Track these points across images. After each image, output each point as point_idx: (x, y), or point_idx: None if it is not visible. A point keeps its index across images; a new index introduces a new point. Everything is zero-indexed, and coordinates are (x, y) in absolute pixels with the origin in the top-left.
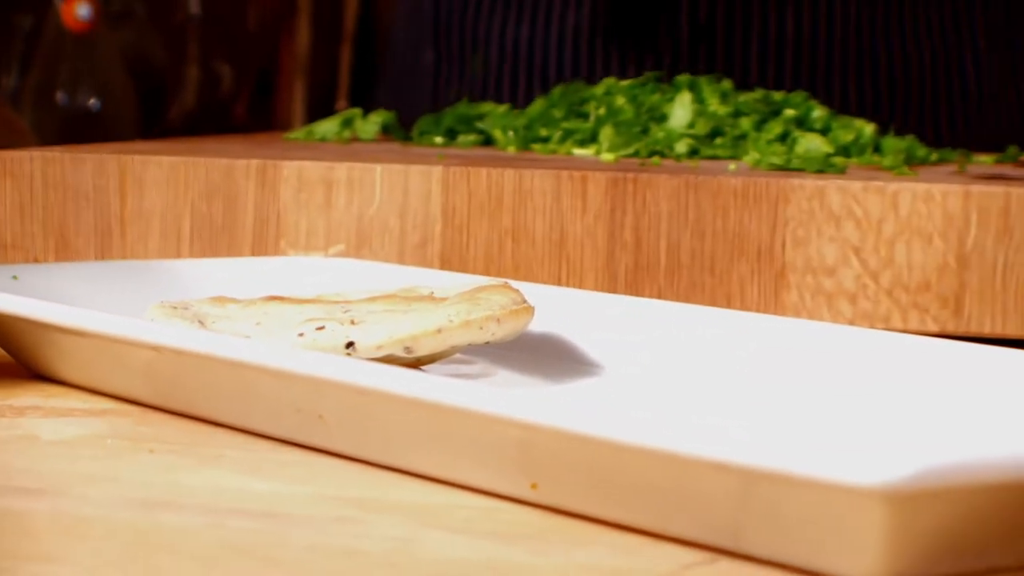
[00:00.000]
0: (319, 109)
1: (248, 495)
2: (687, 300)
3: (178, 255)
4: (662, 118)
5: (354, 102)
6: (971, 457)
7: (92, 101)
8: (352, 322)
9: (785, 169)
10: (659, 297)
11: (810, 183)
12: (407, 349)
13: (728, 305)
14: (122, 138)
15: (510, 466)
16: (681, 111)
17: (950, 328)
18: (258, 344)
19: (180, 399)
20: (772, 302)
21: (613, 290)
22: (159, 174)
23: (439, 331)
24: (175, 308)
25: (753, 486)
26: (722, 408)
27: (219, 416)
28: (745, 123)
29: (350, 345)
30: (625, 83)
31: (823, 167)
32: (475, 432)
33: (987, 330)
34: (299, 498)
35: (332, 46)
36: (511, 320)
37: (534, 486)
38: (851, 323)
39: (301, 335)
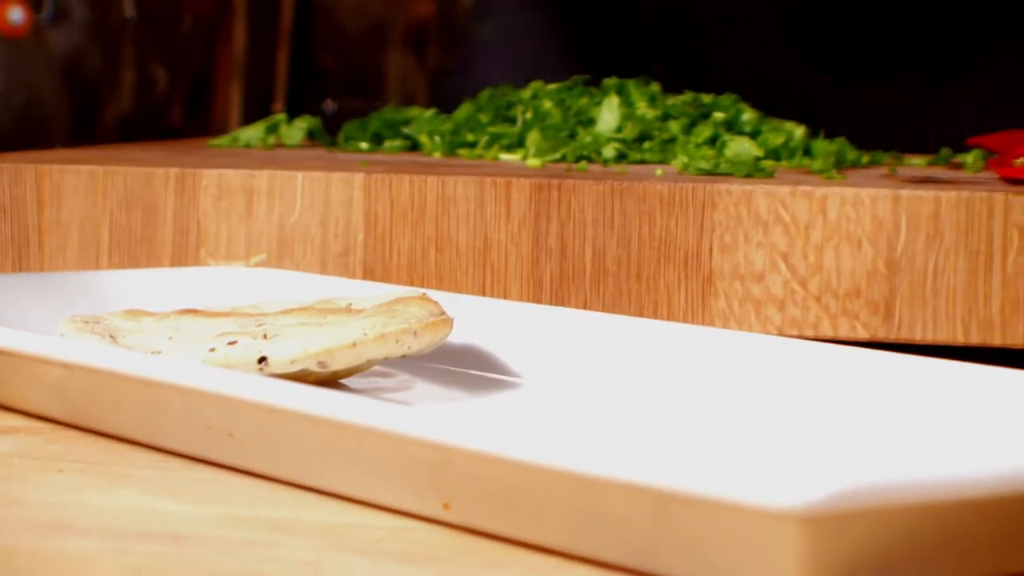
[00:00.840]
0: (255, 112)
1: (156, 516)
2: (614, 307)
3: (97, 266)
4: (590, 122)
5: (290, 105)
6: (888, 477)
7: (25, 106)
8: (265, 336)
9: (713, 174)
10: (585, 305)
11: (737, 188)
12: (321, 363)
13: (655, 312)
14: (55, 143)
15: (422, 485)
16: (609, 115)
17: (880, 335)
18: (167, 361)
19: (91, 416)
20: (700, 309)
21: (539, 298)
22: (77, 183)
23: (354, 345)
24: (87, 323)
25: (667, 508)
26: (644, 423)
27: (131, 433)
28: (674, 126)
29: (263, 360)
30: (552, 86)
31: (751, 171)
32: (386, 451)
33: (918, 336)
34: (208, 519)
35: (269, 48)
36: (428, 333)
37: (447, 506)
38: (780, 330)
39: (213, 350)
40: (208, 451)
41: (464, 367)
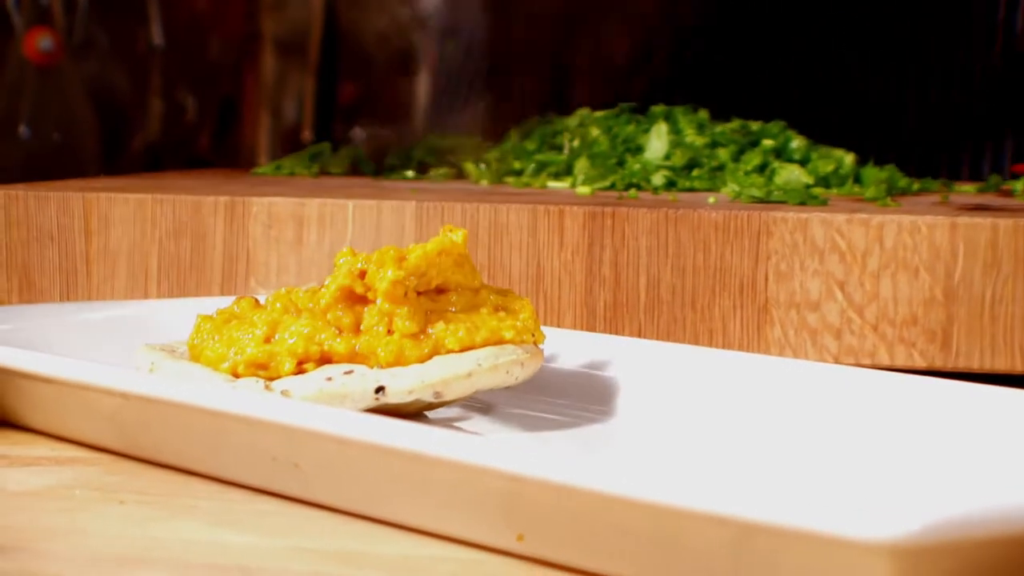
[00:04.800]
0: (284, 140)
1: (222, 549)
2: (668, 336)
3: (145, 295)
4: (638, 149)
5: (318, 133)
6: (977, 509)
7: (55, 134)
8: (380, 365)
9: (765, 201)
10: (639, 333)
11: (793, 216)
12: (437, 394)
13: (710, 341)
14: (85, 170)
15: (495, 517)
16: (657, 142)
17: (938, 363)
18: (231, 391)
19: (150, 447)
20: (755, 338)
21: (592, 327)
22: (125, 211)
23: (469, 375)
24: (163, 350)
25: (750, 539)
26: (709, 451)
27: (191, 464)
28: (723, 154)
29: (380, 390)
30: (599, 114)
31: (804, 199)
32: (458, 483)
33: (976, 365)
34: (275, 552)
35: (297, 76)
36: (532, 363)
37: (520, 538)
38: (836, 359)
39: (330, 379)
40: (271, 482)
41: (523, 395)
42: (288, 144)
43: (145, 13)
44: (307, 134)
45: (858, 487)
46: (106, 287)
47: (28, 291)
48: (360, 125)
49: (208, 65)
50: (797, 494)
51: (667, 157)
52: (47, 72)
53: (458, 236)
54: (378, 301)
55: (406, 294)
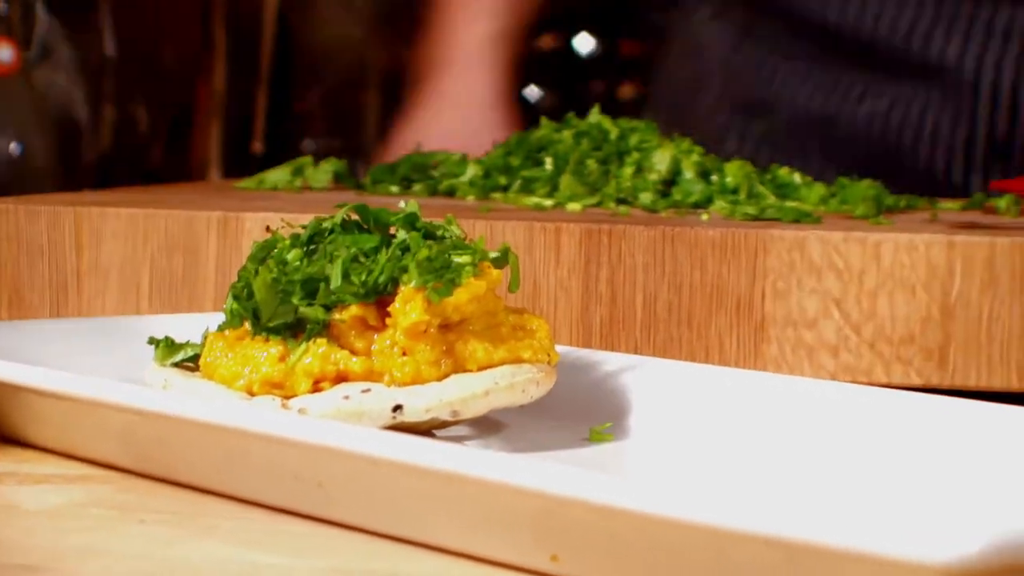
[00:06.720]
0: (234, 151)
1: (253, 569)
2: (664, 354)
3: (137, 310)
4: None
5: (268, 143)
6: None
7: (12, 146)
8: (399, 384)
9: (760, 219)
10: (635, 351)
11: (790, 234)
12: (454, 412)
13: (707, 359)
14: (41, 183)
15: (528, 537)
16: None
17: (935, 381)
18: (251, 409)
19: (165, 464)
20: (751, 356)
21: (588, 344)
22: (117, 226)
23: (487, 393)
24: (174, 366)
25: (799, 561)
26: (719, 469)
27: (208, 483)
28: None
29: (397, 408)
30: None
31: (798, 216)
32: (490, 502)
33: (972, 383)
34: (302, 572)
35: (248, 87)
36: (547, 382)
37: (554, 558)
38: (833, 376)
39: (347, 398)
40: (294, 501)
41: (522, 414)
42: (238, 156)
43: (99, 23)
44: (258, 146)
45: (867, 506)
46: (97, 302)
47: (18, 306)
48: (311, 136)
49: (160, 75)
50: (846, 515)
51: None
52: (3, 82)
53: (491, 277)
54: (397, 334)
55: (426, 330)
